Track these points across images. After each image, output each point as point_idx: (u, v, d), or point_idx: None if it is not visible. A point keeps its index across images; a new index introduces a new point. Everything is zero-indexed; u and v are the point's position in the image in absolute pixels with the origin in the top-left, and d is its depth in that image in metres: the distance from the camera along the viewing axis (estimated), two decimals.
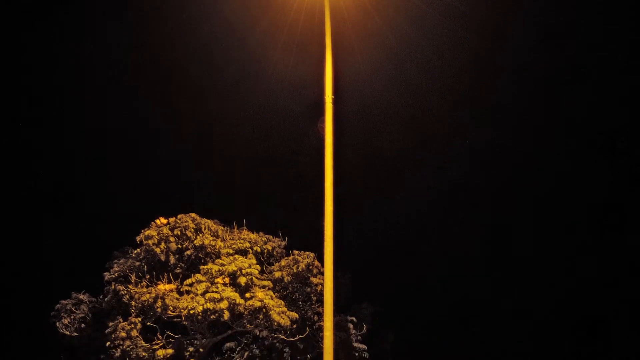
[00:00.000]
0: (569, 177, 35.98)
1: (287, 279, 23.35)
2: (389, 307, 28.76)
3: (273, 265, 24.17)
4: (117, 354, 21.99)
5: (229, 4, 29.13)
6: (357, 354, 23.81)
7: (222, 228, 24.82)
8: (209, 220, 24.63)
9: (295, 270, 23.35)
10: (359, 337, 24.13)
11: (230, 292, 21.44)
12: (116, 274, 23.75)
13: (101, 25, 35.01)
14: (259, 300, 21.50)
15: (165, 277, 22.68)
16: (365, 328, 24.50)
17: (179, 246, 23.90)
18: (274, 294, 22.48)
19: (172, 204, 28.93)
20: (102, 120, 35.40)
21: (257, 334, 23.02)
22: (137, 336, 21.83)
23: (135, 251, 24.20)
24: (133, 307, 22.02)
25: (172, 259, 23.68)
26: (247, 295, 21.75)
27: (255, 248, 24.08)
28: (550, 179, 36.55)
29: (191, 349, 22.66)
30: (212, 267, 22.35)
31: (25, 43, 35.04)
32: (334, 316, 18.53)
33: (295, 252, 23.97)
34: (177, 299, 21.85)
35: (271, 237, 25.13)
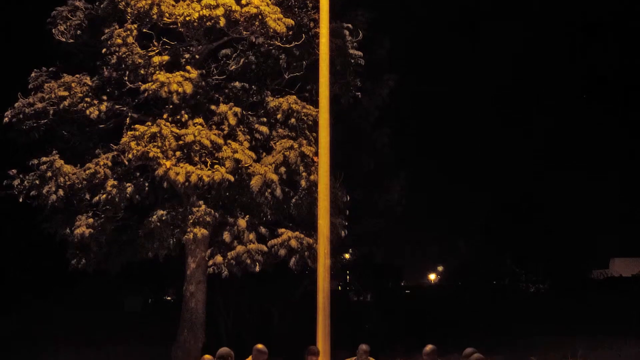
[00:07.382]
0: None
1: None
2: (385, 14, 28.70)
3: None
4: (113, 61, 22.17)
5: None
6: (352, 61, 24.03)
7: None
8: None
9: None
10: (355, 44, 24.13)
11: None
12: None
13: None
14: (255, 7, 21.25)
15: None
16: (361, 35, 24.47)
17: None
18: (270, 0, 22.22)
19: None
20: None
21: (253, 40, 22.97)
22: (133, 43, 21.87)
23: None
24: (129, 14, 21.79)
25: None
26: (243, 2, 21.48)
27: None
28: None
29: (187, 55, 22.85)
30: None
31: None
32: (330, 23, 18.64)
33: None
34: (173, 5, 21.58)
35: None
